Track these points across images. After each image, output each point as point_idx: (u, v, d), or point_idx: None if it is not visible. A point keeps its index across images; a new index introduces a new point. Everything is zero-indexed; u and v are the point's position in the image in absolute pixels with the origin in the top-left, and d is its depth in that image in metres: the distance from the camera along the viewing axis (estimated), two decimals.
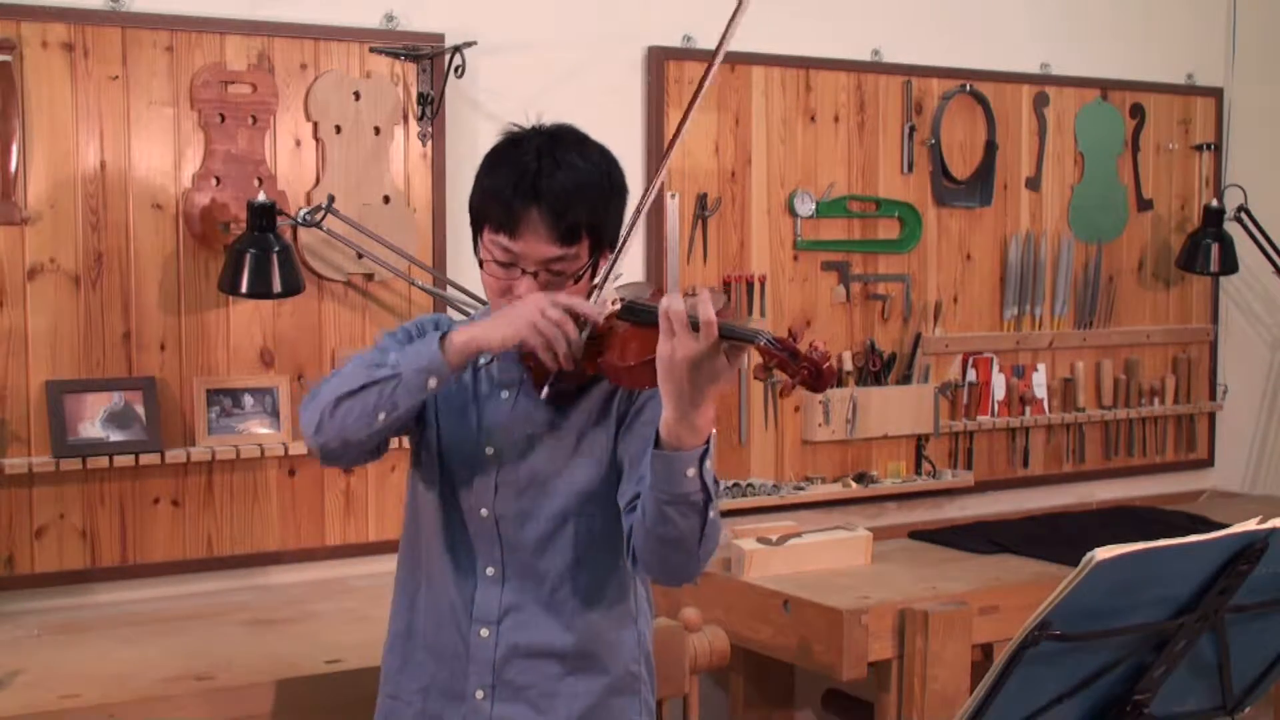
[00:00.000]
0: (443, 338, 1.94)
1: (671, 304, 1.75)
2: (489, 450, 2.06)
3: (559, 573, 2.05)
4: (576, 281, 2.01)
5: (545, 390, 1.99)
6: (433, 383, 1.94)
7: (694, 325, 1.74)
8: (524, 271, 1.98)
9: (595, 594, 2.07)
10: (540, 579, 2.05)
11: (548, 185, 1.95)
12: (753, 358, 1.79)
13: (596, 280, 2.04)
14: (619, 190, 2.05)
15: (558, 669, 2.06)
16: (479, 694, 2.06)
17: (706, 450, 1.82)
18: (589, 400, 2.04)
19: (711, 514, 1.85)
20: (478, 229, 2.04)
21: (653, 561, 1.92)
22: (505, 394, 2.07)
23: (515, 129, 2.05)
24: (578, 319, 1.92)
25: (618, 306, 1.99)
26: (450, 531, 2.08)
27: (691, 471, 1.80)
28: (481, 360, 2.09)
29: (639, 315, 1.94)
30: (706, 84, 2.14)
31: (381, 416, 1.95)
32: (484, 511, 2.05)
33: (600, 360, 1.96)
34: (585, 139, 2.04)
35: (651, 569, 1.95)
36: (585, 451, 2.04)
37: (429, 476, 2.10)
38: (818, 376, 1.74)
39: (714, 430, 1.84)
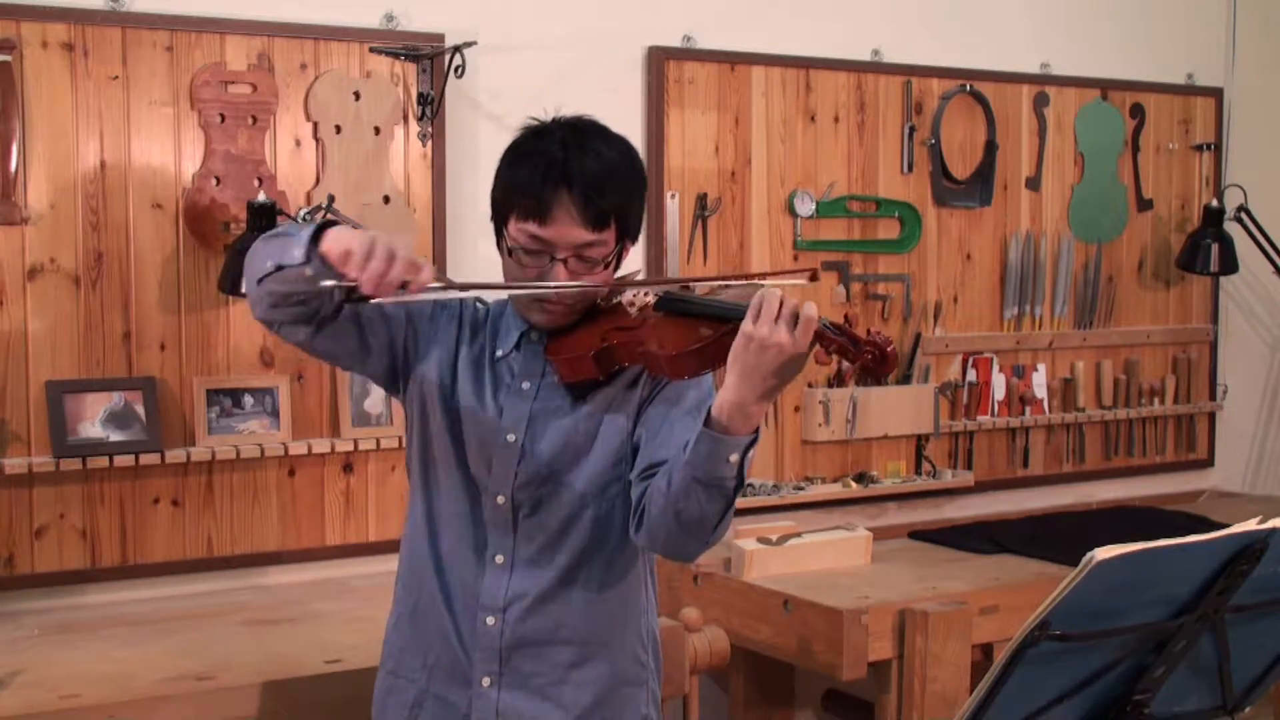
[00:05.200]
0: (324, 228, 1.87)
1: (787, 296, 1.76)
2: (510, 438, 2.05)
3: (570, 561, 2.05)
4: (606, 268, 2.01)
5: (330, 281, 1.84)
6: (297, 253, 1.85)
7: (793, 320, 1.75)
8: (554, 258, 1.97)
9: (605, 583, 2.07)
10: (550, 568, 2.05)
11: (578, 170, 1.95)
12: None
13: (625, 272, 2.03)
14: (642, 180, 2.06)
15: (565, 657, 2.06)
16: (485, 681, 2.05)
17: (754, 440, 1.82)
18: (610, 388, 2.04)
19: (734, 502, 1.86)
20: (502, 220, 2.03)
21: (660, 535, 1.92)
22: (526, 385, 2.06)
23: (535, 122, 2.05)
24: (406, 282, 1.81)
25: (651, 298, 1.98)
26: (462, 517, 2.07)
27: (734, 458, 1.80)
28: (500, 351, 2.09)
29: (685, 308, 1.93)
30: None
31: (269, 265, 1.90)
32: (501, 499, 2.05)
33: (641, 351, 1.95)
34: (607, 129, 2.05)
35: (656, 542, 1.94)
36: (605, 439, 2.04)
37: (445, 462, 2.08)
38: (882, 360, 1.73)
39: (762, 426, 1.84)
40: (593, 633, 2.07)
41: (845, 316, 1.81)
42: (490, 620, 2.05)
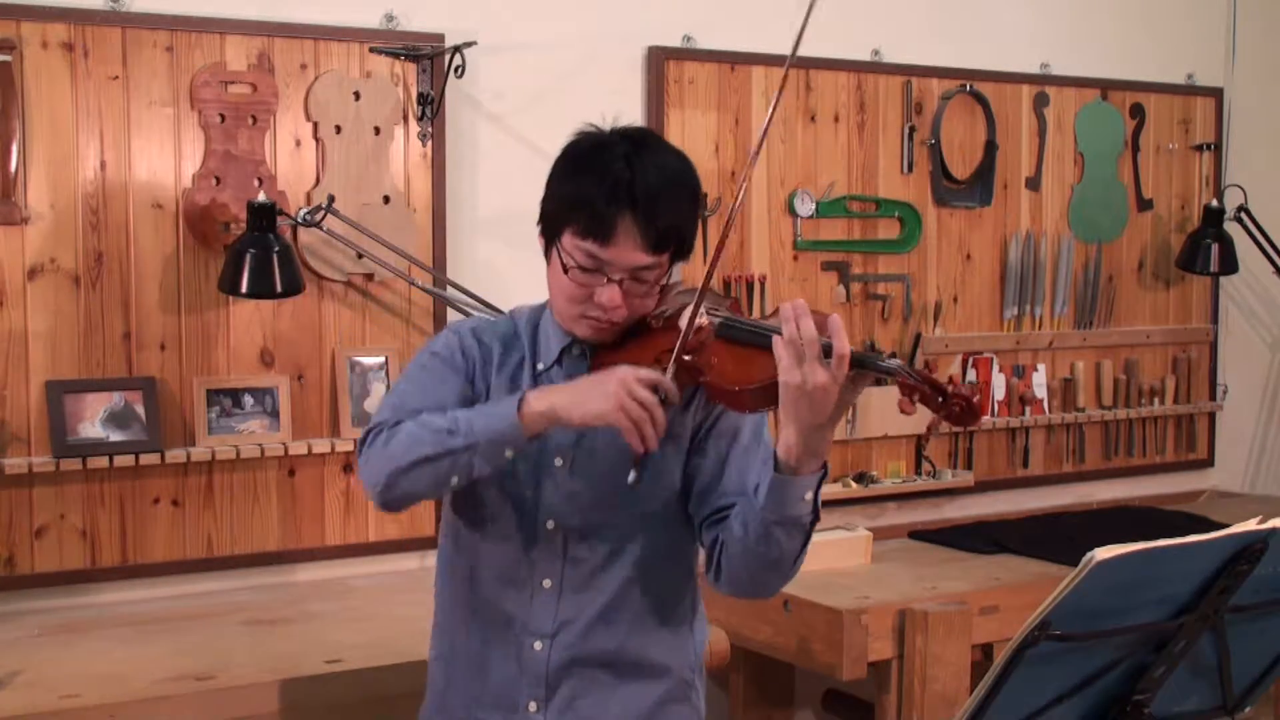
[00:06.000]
0: (520, 401, 1.87)
1: (804, 330, 1.71)
2: (558, 462, 2.00)
3: (619, 586, 2.01)
4: (662, 290, 1.99)
5: (633, 475, 1.89)
6: (509, 453, 1.89)
7: (825, 355, 1.71)
8: (609, 279, 1.93)
9: (654, 607, 2.04)
10: (599, 592, 2.01)
11: (643, 190, 1.89)
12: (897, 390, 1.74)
13: (670, 283, 1.99)
14: (700, 196, 2.02)
15: (611, 678, 2.03)
16: (531, 706, 2.02)
17: (824, 474, 1.81)
18: None
19: (812, 534, 1.86)
20: (555, 233, 1.97)
21: (744, 579, 1.91)
22: None
23: (591, 129, 1.99)
24: (664, 399, 1.83)
25: (710, 322, 1.92)
26: (508, 542, 2.02)
27: (809, 495, 1.80)
28: (540, 366, 2.04)
29: (746, 335, 1.88)
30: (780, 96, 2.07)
31: (455, 481, 1.91)
32: (550, 524, 2.00)
33: (704, 381, 1.90)
34: (665, 143, 2.00)
35: (740, 586, 1.93)
36: (656, 465, 1.98)
37: (490, 491, 2.02)
38: (968, 411, 1.69)
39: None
40: (641, 655, 2.04)
41: (925, 363, 1.76)
42: (538, 645, 2.01)
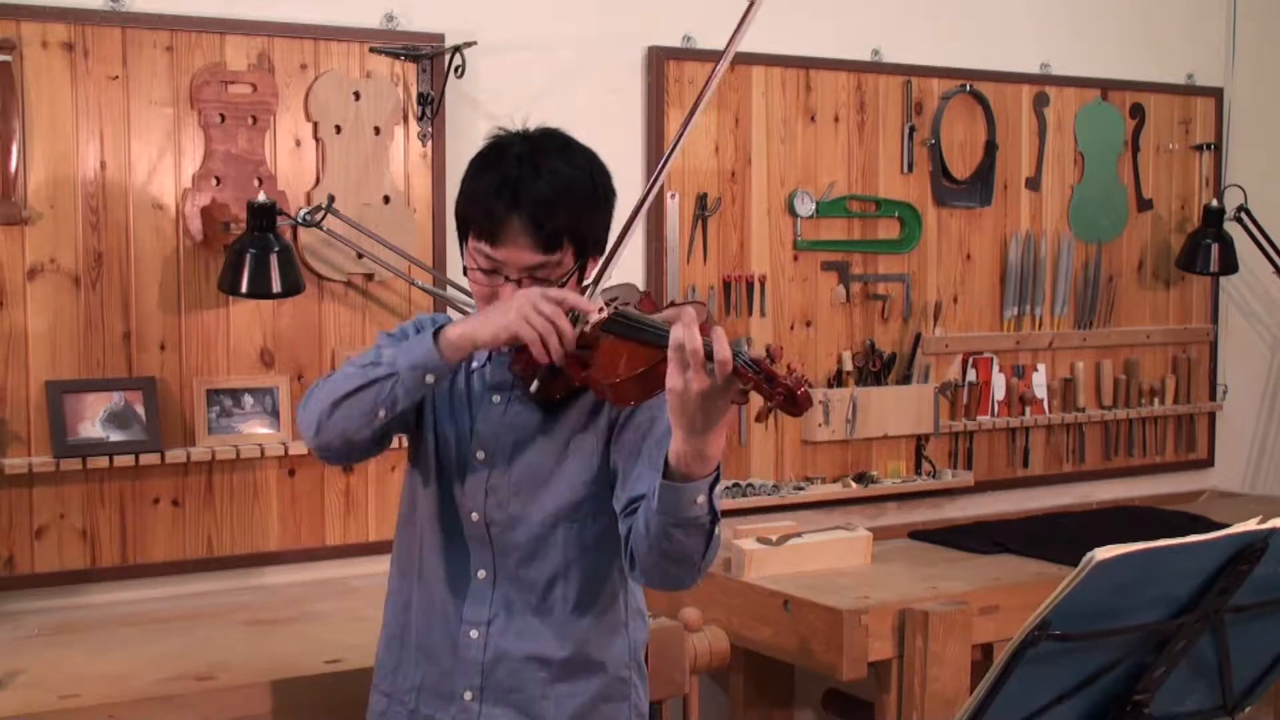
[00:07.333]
0: (437, 333, 1.94)
1: (689, 340, 1.70)
2: (480, 455, 2.05)
3: (548, 578, 2.05)
4: (564, 287, 2.00)
5: (534, 385, 1.97)
6: (430, 379, 1.94)
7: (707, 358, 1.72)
8: (507, 279, 1.97)
9: (585, 601, 2.06)
10: (530, 584, 2.05)
11: (528, 192, 1.93)
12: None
13: (586, 283, 2.02)
14: (604, 195, 2.02)
15: (546, 674, 2.06)
16: (468, 695, 2.06)
17: (716, 478, 1.81)
18: (579, 405, 2.03)
19: (716, 531, 1.85)
20: (463, 236, 2.02)
21: (653, 573, 1.92)
22: (496, 398, 2.07)
23: (502, 133, 2.03)
24: (571, 313, 1.89)
25: (604, 315, 1.95)
26: (444, 533, 2.08)
27: (701, 499, 1.80)
28: (474, 364, 2.09)
29: (627, 329, 1.91)
30: (712, 87, 2.11)
31: (382, 414, 1.96)
32: (475, 515, 2.06)
33: (586, 374, 1.94)
34: (570, 143, 2.02)
35: (651, 579, 1.94)
36: (575, 456, 2.03)
37: (425, 478, 2.10)
38: (792, 402, 1.71)
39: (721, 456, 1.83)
40: (574, 650, 2.06)
41: (767, 349, 1.78)
42: (474, 634, 2.05)
